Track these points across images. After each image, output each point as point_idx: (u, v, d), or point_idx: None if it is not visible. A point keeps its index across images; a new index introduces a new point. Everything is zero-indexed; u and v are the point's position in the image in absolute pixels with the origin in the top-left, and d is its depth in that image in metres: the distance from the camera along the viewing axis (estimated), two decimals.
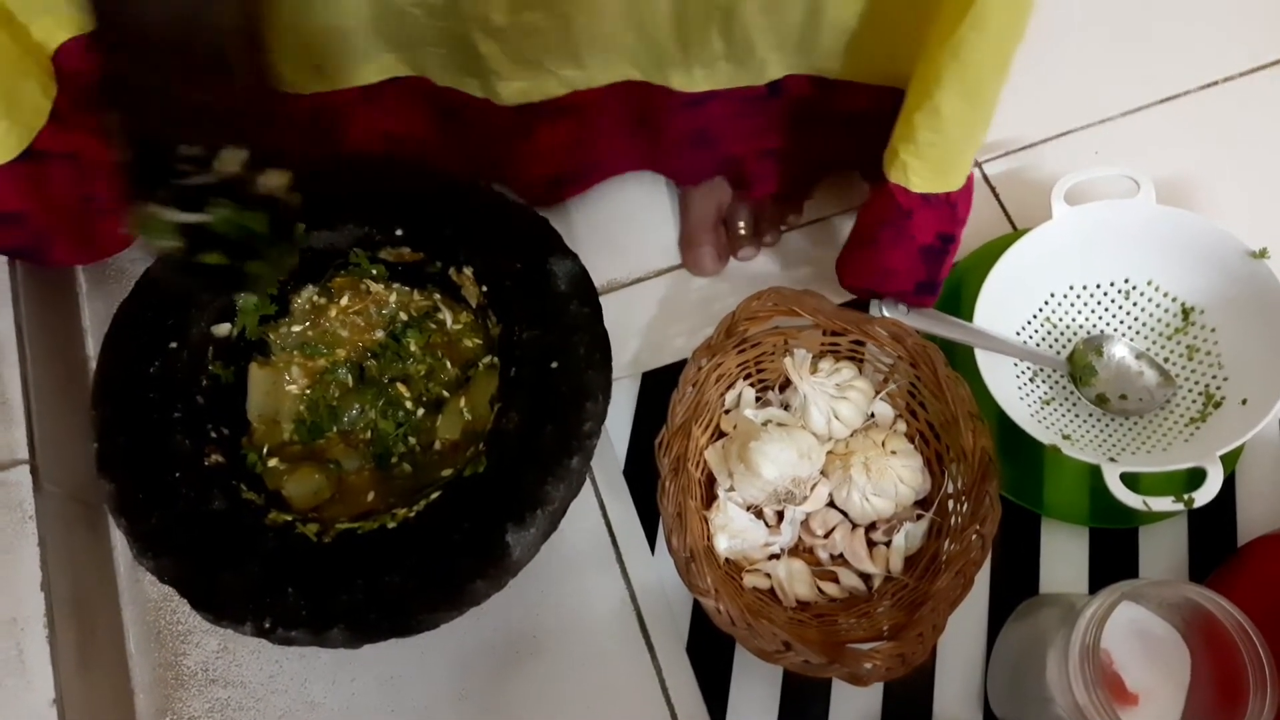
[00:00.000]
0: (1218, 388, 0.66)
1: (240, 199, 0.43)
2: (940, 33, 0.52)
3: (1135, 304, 0.71)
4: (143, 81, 0.41)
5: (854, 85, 0.62)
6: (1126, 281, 0.71)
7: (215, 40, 0.41)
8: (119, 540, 0.69)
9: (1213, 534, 0.68)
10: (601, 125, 0.67)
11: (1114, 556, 0.68)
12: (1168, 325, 0.70)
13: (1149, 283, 0.70)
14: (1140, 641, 0.57)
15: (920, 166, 0.58)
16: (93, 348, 0.75)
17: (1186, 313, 0.69)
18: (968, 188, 0.62)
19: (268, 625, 0.50)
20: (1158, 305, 0.71)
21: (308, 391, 0.62)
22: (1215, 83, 0.87)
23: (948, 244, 0.63)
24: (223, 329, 0.58)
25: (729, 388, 0.67)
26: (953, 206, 0.61)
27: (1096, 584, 0.67)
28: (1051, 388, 0.71)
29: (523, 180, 0.71)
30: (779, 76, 0.62)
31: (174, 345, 0.57)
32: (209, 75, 0.42)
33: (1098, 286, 0.71)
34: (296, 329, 0.63)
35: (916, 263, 0.63)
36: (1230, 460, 0.59)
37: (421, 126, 0.68)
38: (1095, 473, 0.68)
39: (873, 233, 0.64)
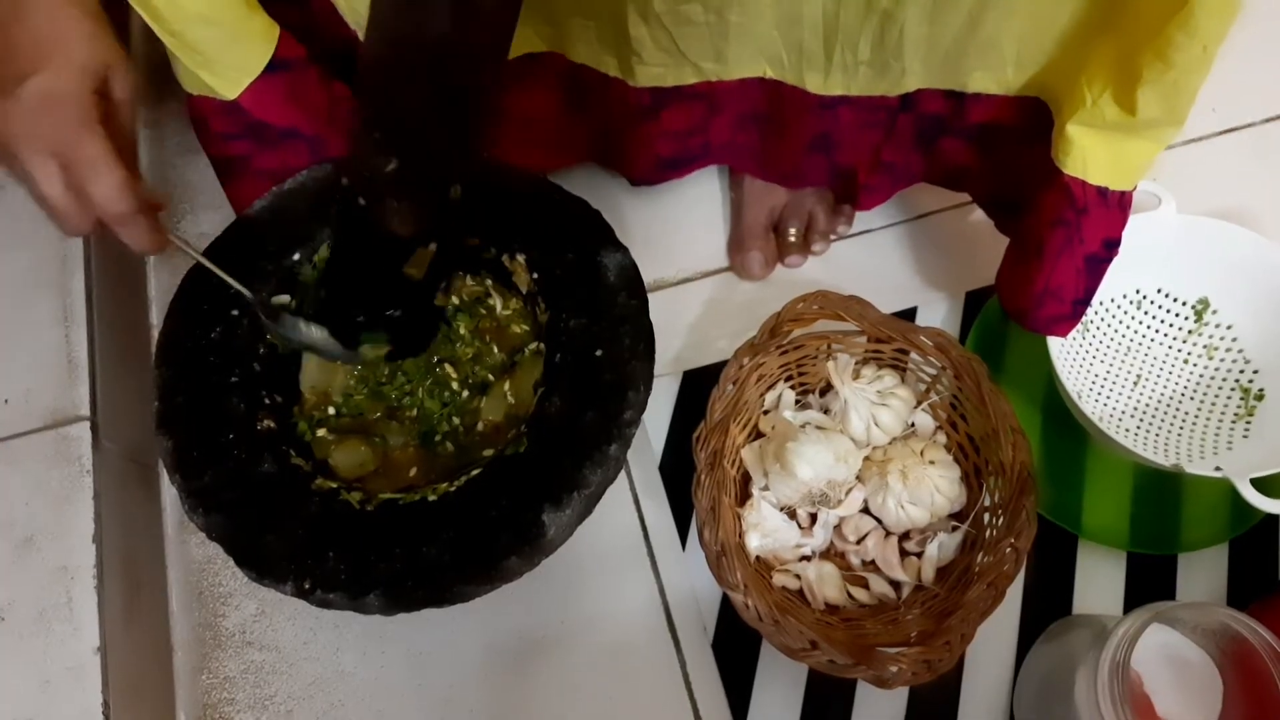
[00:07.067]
0: (1250, 380, 0.68)
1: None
2: (1138, 31, 0.49)
3: (1145, 312, 0.72)
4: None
5: (989, 97, 0.60)
6: (1138, 292, 0.71)
7: None
8: (169, 502, 0.71)
9: (1254, 566, 0.67)
10: (726, 115, 0.67)
11: (1151, 583, 0.67)
12: (1180, 329, 0.71)
13: (1159, 290, 0.71)
14: (1172, 668, 0.56)
15: (1102, 157, 0.56)
16: (156, 316, 0.78)
17: (1199, 314, 0.70)
18: (1132, 194, 0.59)
19: (307, 586, 0.51)
20: (1168, 310, 0.71)
21: (359, 367, 0.63)
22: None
23: (1110, 252, 0.60)
24: (282, 299, 0.60)
25: (769, 388, 0.67)
26: (1124, 210, 0.59)
27: (1132, 609, 0.65)
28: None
29: (637, 160, 0.72)
30: (914, 89, 0.61)
31: (235, 313, 0.58)
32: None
33: (1111, 300, 0.71)
34: None
35: (1080, 276, 0.61)
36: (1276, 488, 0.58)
37: (546, 105, 0.68)
38: (1138, 496, 0.68)
39: (1040, 238, 0.60)
